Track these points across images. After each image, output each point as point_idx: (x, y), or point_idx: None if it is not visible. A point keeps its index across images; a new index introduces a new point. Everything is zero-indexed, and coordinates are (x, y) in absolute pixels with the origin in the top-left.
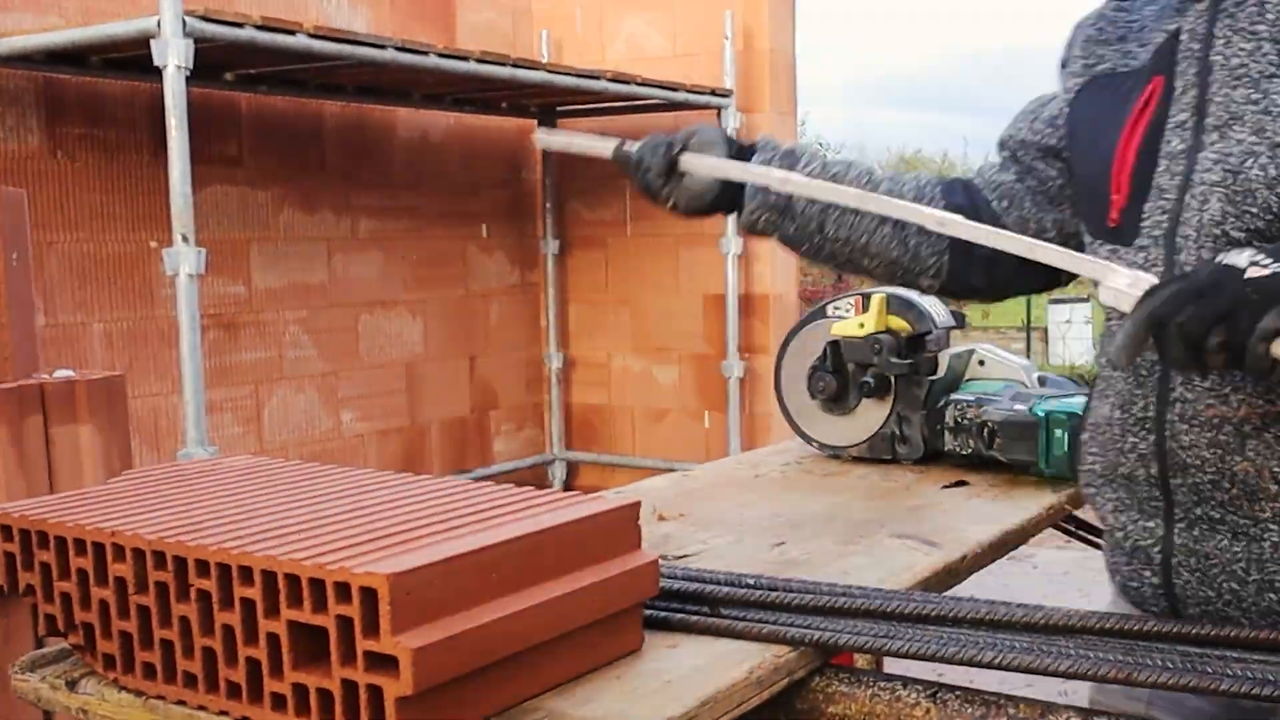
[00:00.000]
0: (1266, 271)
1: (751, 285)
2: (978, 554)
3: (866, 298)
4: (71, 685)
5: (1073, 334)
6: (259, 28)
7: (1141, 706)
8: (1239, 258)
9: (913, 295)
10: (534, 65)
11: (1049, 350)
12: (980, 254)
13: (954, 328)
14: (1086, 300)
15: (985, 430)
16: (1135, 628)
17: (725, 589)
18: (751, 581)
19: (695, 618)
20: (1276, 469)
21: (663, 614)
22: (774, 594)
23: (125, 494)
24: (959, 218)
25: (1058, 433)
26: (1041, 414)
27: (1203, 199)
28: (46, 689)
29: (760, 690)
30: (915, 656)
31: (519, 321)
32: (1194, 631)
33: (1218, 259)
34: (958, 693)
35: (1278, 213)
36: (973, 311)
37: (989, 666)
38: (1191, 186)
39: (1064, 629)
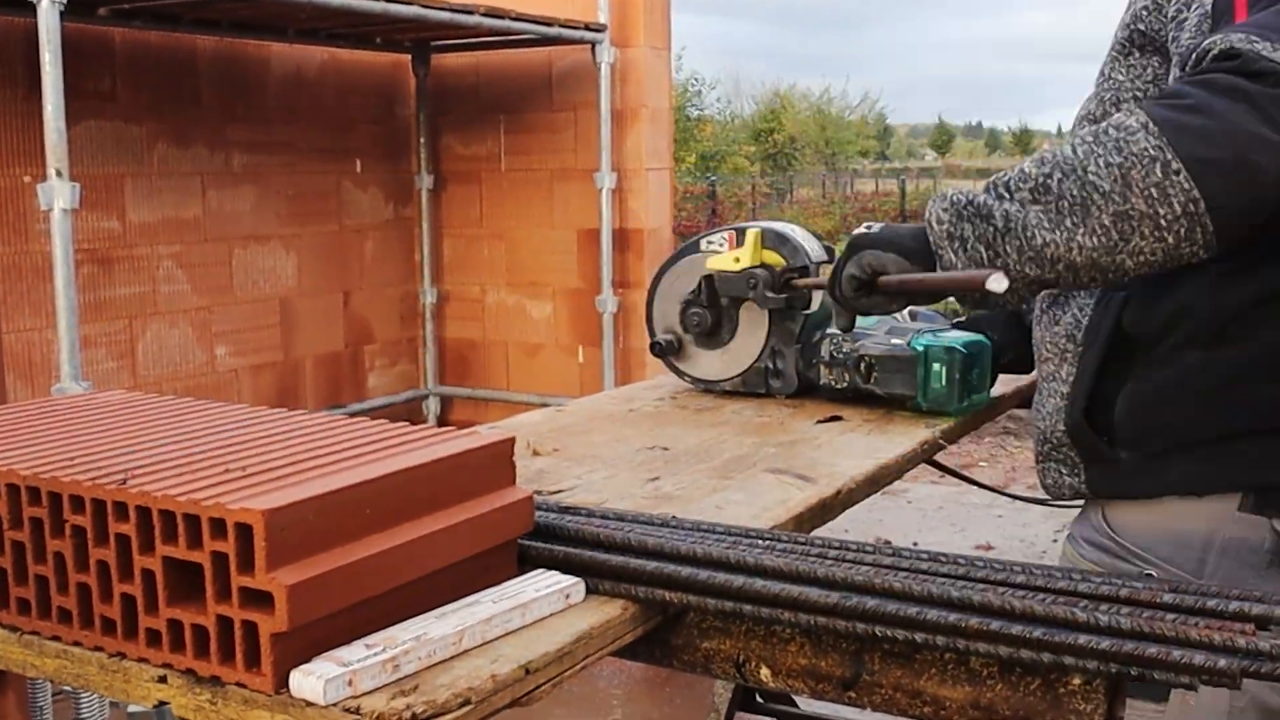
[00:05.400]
0: (864, 230)
1: (626, 220)
2: (851, 489)
3: (741, 232)
4: None
5: None
6: None
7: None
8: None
9: (786, 229)
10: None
11: None
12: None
13: (826, 262)
14: None
15: (862, 364)
16: (1002, 578)
17: (599, 529)
18: (626, 517)
19: (568, 549)
20: None
21: (537, 550)
22: (648, 540)
23: None
24: None
25: (936, 367)
26: (920, 348)
27: None
28: None
29: (635, 627)
30: (776, 604)
31: (393, 256)
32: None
33: None
34: (833, 629)
35: None
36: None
37: (843, 616)
38: None
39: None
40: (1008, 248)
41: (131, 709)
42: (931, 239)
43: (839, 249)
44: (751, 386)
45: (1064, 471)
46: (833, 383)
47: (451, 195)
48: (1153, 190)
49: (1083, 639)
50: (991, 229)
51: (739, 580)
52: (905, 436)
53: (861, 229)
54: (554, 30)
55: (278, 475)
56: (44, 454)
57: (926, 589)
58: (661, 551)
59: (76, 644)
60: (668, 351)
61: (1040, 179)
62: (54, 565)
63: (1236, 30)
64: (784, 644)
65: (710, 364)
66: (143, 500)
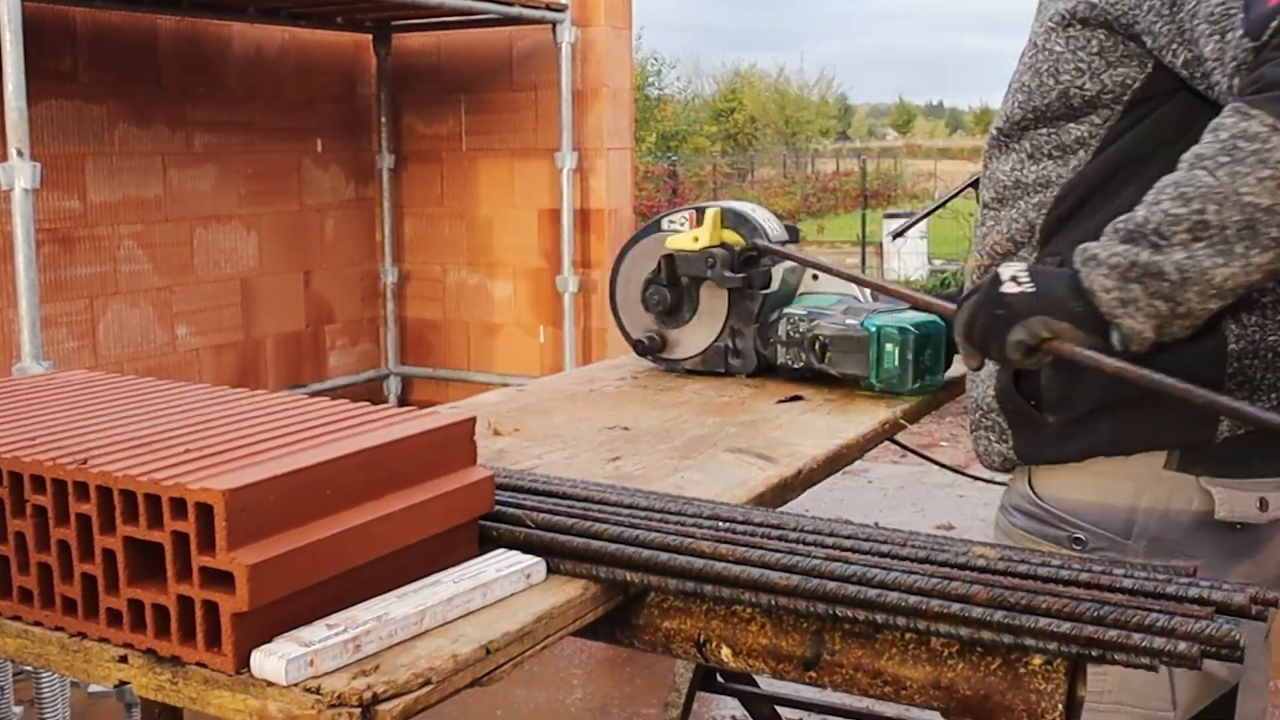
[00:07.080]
0: (1018, 290)
1: (587, 199)
2: (812, 469)
3: (701, 212)
4: None
5: (908, 248)
6: None
7: None
8: (1005, 271)
9: (746, 209)
10: None
11: (884, 265)
12: None
13: (788, 242)
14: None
15: (817, 344)
16: (957, 560)
17: (560, 517)
18: (591, 494)
19: (526, 530)
20: None
21: (497, 529)
22: (602, 524)
23: None
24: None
25: (889, 347)
26: (873, 328)
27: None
28: None
29: (595, 606)
30: (743, 585)
31: (354, 236)
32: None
33: (993, 270)
34: (793, 610)
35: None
36: (807, 226)
37: (792, 595)
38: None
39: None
40: (1188, 295)
41: (92, 689)
42: (1102, 308)
43: (805, 231)
44: (711, 365)
45: (993, 439)
46: (789, 362)
47: (412, 175)
48: None
49: (1043, 622)
50: (1166, 284)
51: (700, 561)
52: (866, 416)
53: (1008, 281)
54: (515, 10)
55: (239, 455)
56: (4, 433)
57: (891, 576)
58: (622, 538)
59: (37, 624)
60: (651, 350)
61: (1194, 218)
62: (14, 545)
63: None
64: (745, 624)
65: (671, 343)
66: (103, 480)
